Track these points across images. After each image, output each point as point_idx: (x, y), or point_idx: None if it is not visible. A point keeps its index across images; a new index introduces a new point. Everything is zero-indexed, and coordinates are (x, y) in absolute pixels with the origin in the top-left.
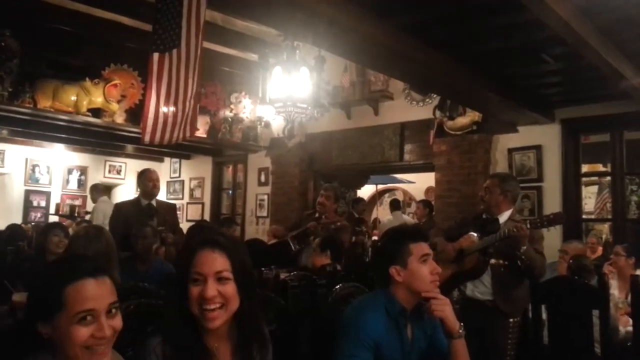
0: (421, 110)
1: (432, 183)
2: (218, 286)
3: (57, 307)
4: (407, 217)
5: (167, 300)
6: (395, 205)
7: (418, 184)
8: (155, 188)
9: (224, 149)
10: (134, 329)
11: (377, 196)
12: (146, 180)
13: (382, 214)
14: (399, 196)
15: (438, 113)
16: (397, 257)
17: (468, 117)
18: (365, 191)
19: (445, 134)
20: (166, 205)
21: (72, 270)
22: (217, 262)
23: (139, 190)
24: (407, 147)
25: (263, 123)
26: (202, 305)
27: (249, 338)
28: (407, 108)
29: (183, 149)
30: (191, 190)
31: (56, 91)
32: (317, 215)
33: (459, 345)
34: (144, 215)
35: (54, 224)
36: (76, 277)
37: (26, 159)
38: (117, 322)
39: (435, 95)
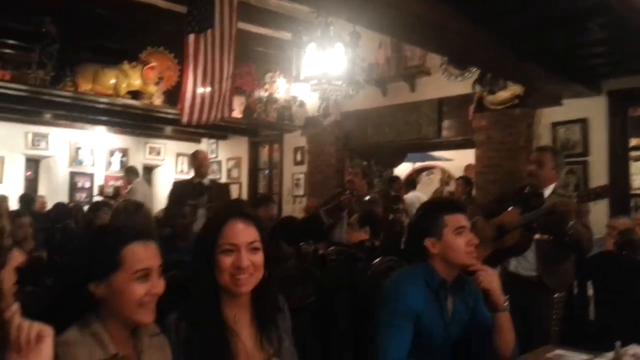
0: (459, 85)
1: (471, 160)
2: (250, 256)
3: (115, 266)
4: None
5: (195, 271)
6: (411, 185)
7: (456, 161)
8: (203, 167)
9: (260, 129)
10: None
11: (415, 175)
12: (195, 160)
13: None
14: (437, 174)
15: (477, 87)
16: (431, 229)
17: (509, 91)
18: (403, 170)
19: (485, 109)
20: (219, 185)
21: (127, 233)
22: (249, 232)
23: (192, 170)
24: (445, 124)
25: (298, 102)
26: (234, 275)
27: (269, 306)
28: (445, 83)
29: (220, 130)
30: (228, 171)
31: (96, 75)
32: (347, 192)
33: (504, 318)
34: (195, 192)
35: (102, 202)
36: (132, 239)
37: (70, 142)
38: (162, 283)
39: (474, 69)
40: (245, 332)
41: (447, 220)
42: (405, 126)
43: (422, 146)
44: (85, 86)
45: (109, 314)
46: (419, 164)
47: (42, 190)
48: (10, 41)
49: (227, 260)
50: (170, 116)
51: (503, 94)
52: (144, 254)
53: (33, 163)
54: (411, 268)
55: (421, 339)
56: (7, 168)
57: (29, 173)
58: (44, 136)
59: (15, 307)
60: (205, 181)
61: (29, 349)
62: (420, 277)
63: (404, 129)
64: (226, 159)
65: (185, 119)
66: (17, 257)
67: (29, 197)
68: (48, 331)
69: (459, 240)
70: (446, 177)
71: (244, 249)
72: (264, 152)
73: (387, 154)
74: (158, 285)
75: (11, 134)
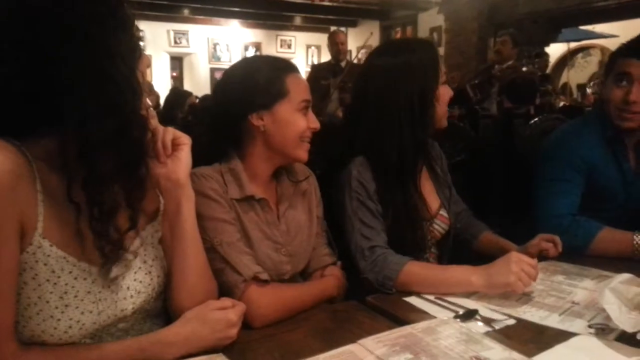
0: None
1: None
2: None
3: (281, 95)
4: None
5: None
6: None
7: (623, 37)
8: (340, 50)
9: (392, 10)
10: None
11: (569, 56)
12: (331, 43)
13: (574, 77)
14: (596, 55)
15: None
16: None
17: None
18: (555, 51)
19: None
20: (356, 66)
21: (288, 63)
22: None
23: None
24: None
25: None
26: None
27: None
28: None
29: (349, 15)
30: (359, 60)
31: None
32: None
33: None
34: (329, 73)
35: None
36: (292, 69)
37: (208, 38)
38: (317, 121)
39: None
40: (423, 180)
41: None
42: None
43: (584, 14)
44: None
45: (257, 153)
46: (574, 44)
47: (186, 86)
48: None
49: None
50: (299, 1)
51: None
52: (305, 86)
53: (177, 61)
54: (582, 118)
55: (595, 200)
56: (154, 66)
57: (174, 74)
58: (184, 33)
59: (152, 111)
60: (342, 63)
61: (167, 155)
62: (593, 127)
63: None
64: (356, 47)
65: None
66: None
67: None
68: (185, 139)
69: None
70: (607, 59)
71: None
72: (396, 37)
73: (539, 30)
74: (315, 120)
75: (155, 32)
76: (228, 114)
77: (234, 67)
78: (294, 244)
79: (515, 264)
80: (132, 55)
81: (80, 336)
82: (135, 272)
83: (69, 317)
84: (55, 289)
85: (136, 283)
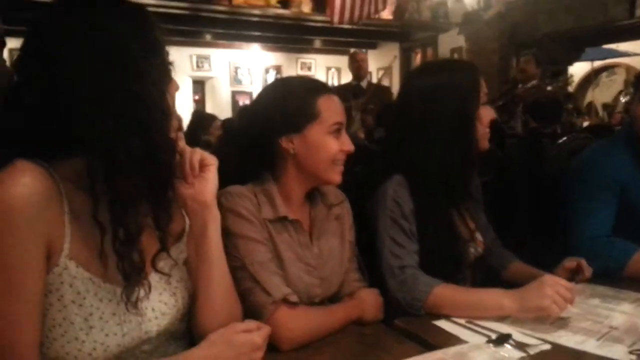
0: None
1: None
2: None
3: (312, 118)
4: None
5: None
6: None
7: None
8: (361, 69)
9: (412, 32)
10: None
11: (593, 75)
12: (352, 62)
13: (599, 96)
14: (621, 74)
15: None
16: None
17: None
18: (579, 70)
19: None
20: (379, 87)
21: (320, 85)
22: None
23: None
24: None
25: None
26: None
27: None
28: None
29: (369, 37)
30: (379, 81)
31: None
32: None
33: None
34: (349, 94)
35: None
36: (325, 91)
37: (229, 62)
38: (351, 143)
39: None
40: None
41: None
42: (587, 8)
43: (607, 33)
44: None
45: (290, 175)
46: (597, 63)
47: (208, 109)
48: None
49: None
50: (319, 24)
51: None
52: (337, 107)
53: (199, 85)
54: (612, 137)
55: (631, 219)
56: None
57: (196, 97)
58: (206, 58)
59: (180, 133)
60: (363, 83)
61: (194, 176)
62: (622, 145)
63: (585, 12)
64: (377, 68)
65: (335, 19)
66: None
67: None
68: (212, 160)
69: None
70: (632, 77)
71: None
72: (417, 58)
73: (561, 48)
74: (348, 143)
75: (178, 57)
76: (259, 136)
77: (267, 88)
78: (326, 268)
79: (550, 287)
80: (162, 78)
81: (104, 358)
82: (160, 294)
83: (94, 339)
84: (81, 310)
85: (161, 305)
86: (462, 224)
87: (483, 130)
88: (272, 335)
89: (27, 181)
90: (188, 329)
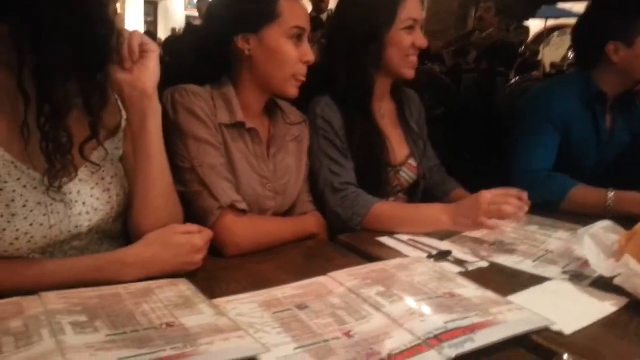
0: None
1: None
2: None
3: (270, 17)
4: None
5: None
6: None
7: None
8: (322, 2)
9: None
10: None
11: (545, 34)
12: None
13: (549, 55)
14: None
15: None
16: (621, 31)
17: None
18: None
19: None
20: None
21: None
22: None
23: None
24: None
25: None
26: (409, 56)
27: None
28: None
29: None
30: None
31: None
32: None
33: None
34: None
35: None
36: None
37: None
38: (312, 54)
39: None
40: (390, 127)
41: None
42: None
43: None
44: None
45: (246, 80)
46: (551, 22)
47: (160, 33)
48: None
49: (409, 39)
50: None
51: None
52: (301, 11)
53: (151, 6)
54: (562, 78)
55: (569, 158)
56: (127, 10)
57: (149, 19)
58: None
59: (120, 15)
60: (323, 16)
61: (133, 60)
62: (573, 86)
63: None
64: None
65: None
66: None
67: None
68: (153, 46)
69: None
70: None
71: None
72: None
73: (519, 3)
74: (309, 53)
75: None
76: (214, 35)
77: None
78: (281, 183)
79: (485, 202)
80: None
81: (29, 250)
82: (92, 188)
83: (16, 227)
84: (1, 195)
85: (93, 200)
86: (395, 149)
87: (398, 56)
88: (217, 240)
89: None
90: (124, 232)
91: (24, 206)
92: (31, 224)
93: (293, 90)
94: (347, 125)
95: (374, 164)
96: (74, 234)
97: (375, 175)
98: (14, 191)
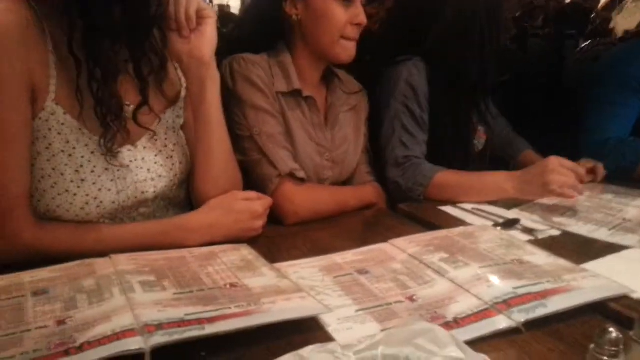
0: None
1: None
2: None
3: None
4: None
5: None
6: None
7: None
8: None
9: None
10: None
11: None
12: None
13: (622, 23)
14: None
15: None
16: None
17: None
18: None
19: None
20: None
21: None
22: None
23: None
24: None
25: None
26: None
27: None
28: None
29: None
30: None
31: None
32: None
33: None
34: None
35: None
36: None
37: None
38: (365, 17)
39: None
40: None
41: None
42: None
43: None
44: None
45: (299, 48)
46: None
47: None
48: None
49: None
50: None
51: None
52: None
53: None
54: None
55: None
56: None
57: None
58: None
59: None
60: None
61: (190, 28)
62: None
63: None
64: None
65: None
66: None
67: None
68: (211, 12)
69: None
70: None
71: None
72: None
73: None
74: (361, 15)
75: None
76: (264, 1)
77: None
78: (339, 153)
79: (553, 170)
80: None
81: (98, 215)
82: (155, 155)
83: (86, 192)
84: (71, 161)
85: (157, 166)
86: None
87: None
88: (276, 208)
89: (8, 6)
90: (188, 199)
91: (92, 172)
92: (100, 189)
93: (344, 55)
94: (444, 96)
95: (465, 132)
96: (141, 200)
97: (465, 143)
98: (82, 157)
